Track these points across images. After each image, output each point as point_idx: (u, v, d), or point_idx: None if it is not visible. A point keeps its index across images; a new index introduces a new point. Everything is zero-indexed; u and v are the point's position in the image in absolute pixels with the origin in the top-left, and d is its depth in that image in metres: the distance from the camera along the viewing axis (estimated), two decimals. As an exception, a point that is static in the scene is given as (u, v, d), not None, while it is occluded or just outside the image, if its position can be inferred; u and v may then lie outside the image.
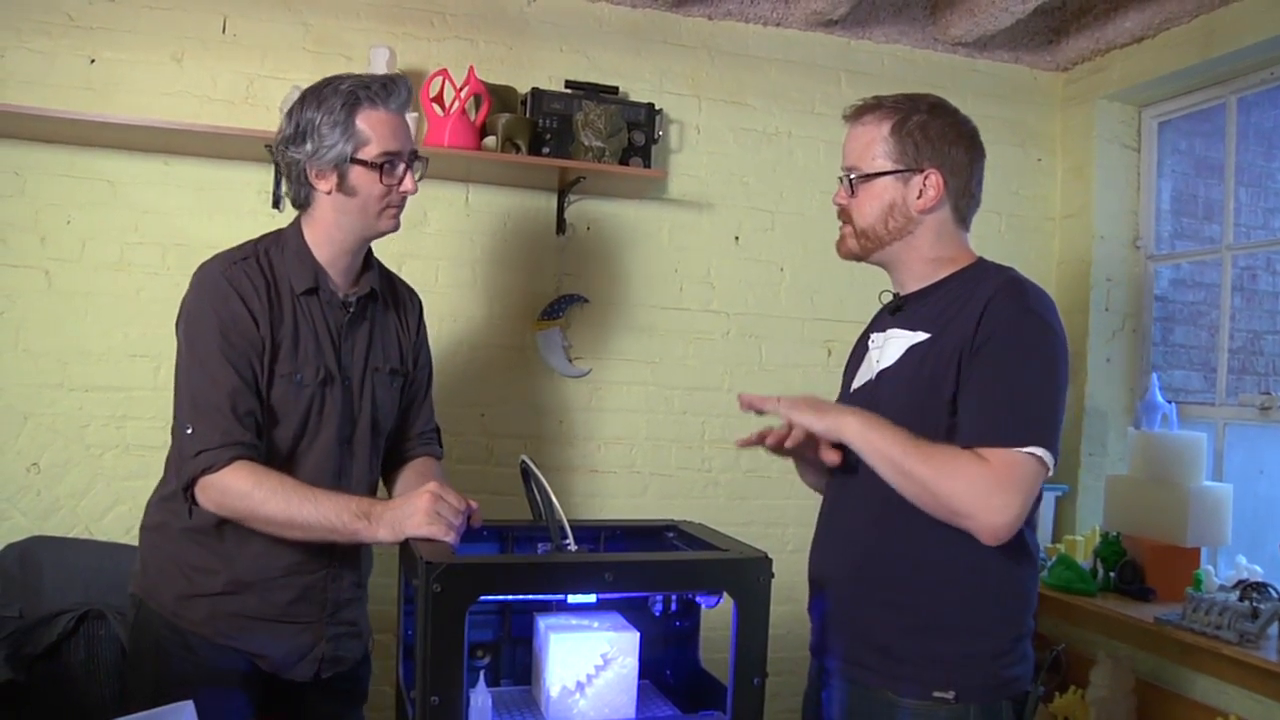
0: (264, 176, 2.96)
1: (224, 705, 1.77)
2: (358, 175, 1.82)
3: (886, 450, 1.61)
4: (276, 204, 2.96)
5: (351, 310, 1.91)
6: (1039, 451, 1.57)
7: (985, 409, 1.60)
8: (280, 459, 1.83)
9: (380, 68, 2.84)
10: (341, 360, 1.89)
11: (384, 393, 1.97)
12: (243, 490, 1.71)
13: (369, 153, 1.81)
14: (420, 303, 2.14)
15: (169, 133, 2.75)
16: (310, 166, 1.82)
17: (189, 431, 1.75)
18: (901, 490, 1.61)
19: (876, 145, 1.75)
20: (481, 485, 3.03)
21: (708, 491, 3.38)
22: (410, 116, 2.01)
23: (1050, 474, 1.61)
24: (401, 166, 1.85)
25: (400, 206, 1.89)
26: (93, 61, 2.86)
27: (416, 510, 1.63)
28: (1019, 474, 1.56)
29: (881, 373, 1.78)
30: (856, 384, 1.87)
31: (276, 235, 1.93)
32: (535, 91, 3.06)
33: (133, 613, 1.94)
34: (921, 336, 1.73)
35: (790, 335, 3.46)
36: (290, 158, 1.84)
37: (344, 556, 1.90)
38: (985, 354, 1.61)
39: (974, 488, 1.55)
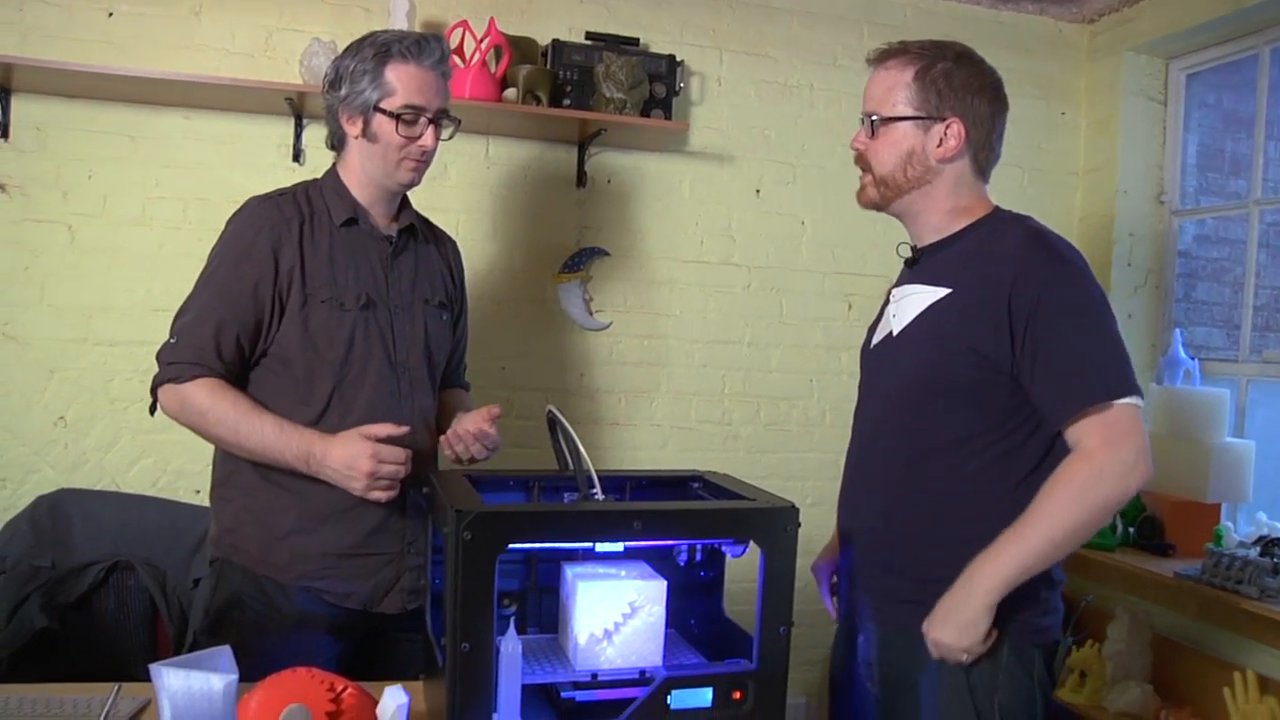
0: (284, 129, 2.96)
1: (309, 649, 1.80)
2: (380, 123, 1.90)
3: (1033, 553, 1.59)
4: (297, 157, 2.95)
5: (394, 244, 1.99)
6: (1130, 400, 1.59)
7: (1071, 379, 1.60)
8: (329, 383, 1.90)
9: (400, 19, 2.81)
10: (390, 290, 1.96)
11: (436, 325, 2.04)
12: (200, 407, 1.83)
13: (392, 103, 1.89)
14: (457, 246, 2.22)
15: (188, 86, 2.74)
16: (341, 110, 1.93)
17: (172, 341, 1.86)
18: (1071, 542, 1.60)
19: (899, 91, 1.73)
20: (502, 438, 3.02)
21: (728, 444, 3.39)
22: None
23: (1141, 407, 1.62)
24: (423, 121, 1.91)
25: (420, 160, 1.95)
26: (111, 15, 2.84)
27: (357, 474, 1.78)
28: (1125, 427, 1.57)
29: (902, 330, 1.77)
30: (875, 340, 1.87)
31: (313, 180, 2.02)
32: (556, 43, 3.04)
33: (213, 578, 1.97)
34: (942, 292, 1.71)
35: (811, 289, 3.45)
36: (328, 99, 1.95)
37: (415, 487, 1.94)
38: (1040, 322, 1.60)
39: (1105, 478, 1.56)
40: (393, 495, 1.83)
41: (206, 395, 1.82)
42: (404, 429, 1.83)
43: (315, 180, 2.02)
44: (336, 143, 1.99)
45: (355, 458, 1.78)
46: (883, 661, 1.75)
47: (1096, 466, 1.57)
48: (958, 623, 1.61)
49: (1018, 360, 1.62)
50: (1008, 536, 1.59)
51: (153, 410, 1.92)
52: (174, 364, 1.83)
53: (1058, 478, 1.59)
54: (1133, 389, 1.60)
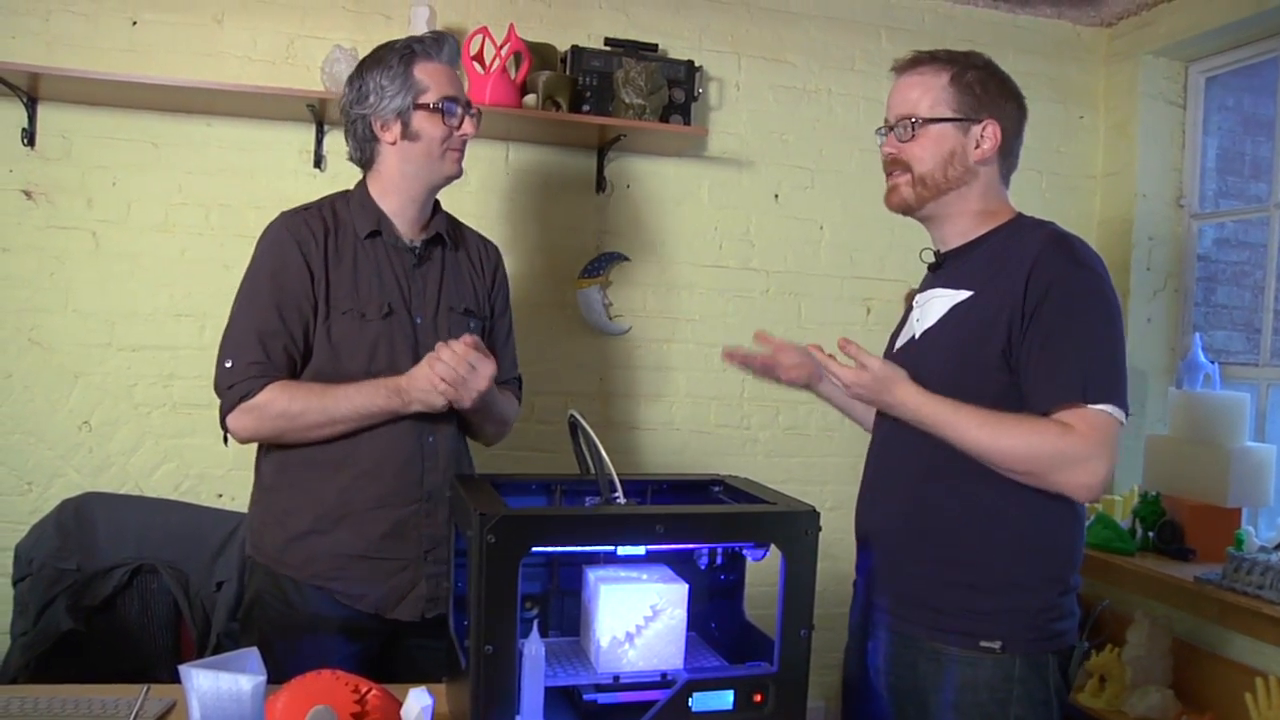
0: (305, 136, 2.98)
1: (324, 649, 1.84)
2: (420, 120, 1.95)
3: (958, 425, 1.62)
4: (318, 163, 2.98)
5: (417, 253, 2.02)
6: (1113, 409, 1.59)
7: (1056, 371, 1.60)
8: None
9: (420, 26, 2.84)
10: (411, 301, 1.99)
11: (461, 332, 2.01)
12: (279, 407, 1.85)
13: (429, 98, 1.95)
14: (497, 252, 2.22)
15: (211, 93, 2.77)
16: (375, 120, 1.96)
17: (227, 365, 1.88)
18: (983, 459, 1.62)
19: (936, 93, 1.75)
20: (522, 442, 3.06)
21: (746, 449, 3.39)
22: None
23: (1124, 426, 1.62)
24: (459, 110, 1.98)
25: (461, 150, 2.01)
26: (134, 24, 2.88)
27: (433, 384, 1.82)
28: (1102, 434, 1.57)
29: (924, 333, 1.78)
30: (899, 344, 1.88)
31: (343, 192, 2.06)
32: (575, 49, 3.05)
33: (247, 574, 2.03)
34: (964, 295, 1.72)
35: (829, 293, 3.45)
36: (355, 114, 1.98)
37: (437, 493, 1.95)
38: (1044, 314, 1.60)
39: (1064, 454, 1.57)
40: (465, 398, 1.85)
41: (280, 393, 1.85)
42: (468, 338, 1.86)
43: (345, 192, 2.05)
44: (367, 156, 2.01)
45: (422, 368, 1.84)
46: (893, 671, 1.76)
47: (1074, 451, 1.57)
48: (880, 384, 1.67)
49: (1019, 345, 1.63)
50: (960, 412, 1.61)
51: (225, 442, 1.95)
52: (238, 383, 1.86)
53: (1037, 427, 1.59)
54: (1121, 400, 1.60)
